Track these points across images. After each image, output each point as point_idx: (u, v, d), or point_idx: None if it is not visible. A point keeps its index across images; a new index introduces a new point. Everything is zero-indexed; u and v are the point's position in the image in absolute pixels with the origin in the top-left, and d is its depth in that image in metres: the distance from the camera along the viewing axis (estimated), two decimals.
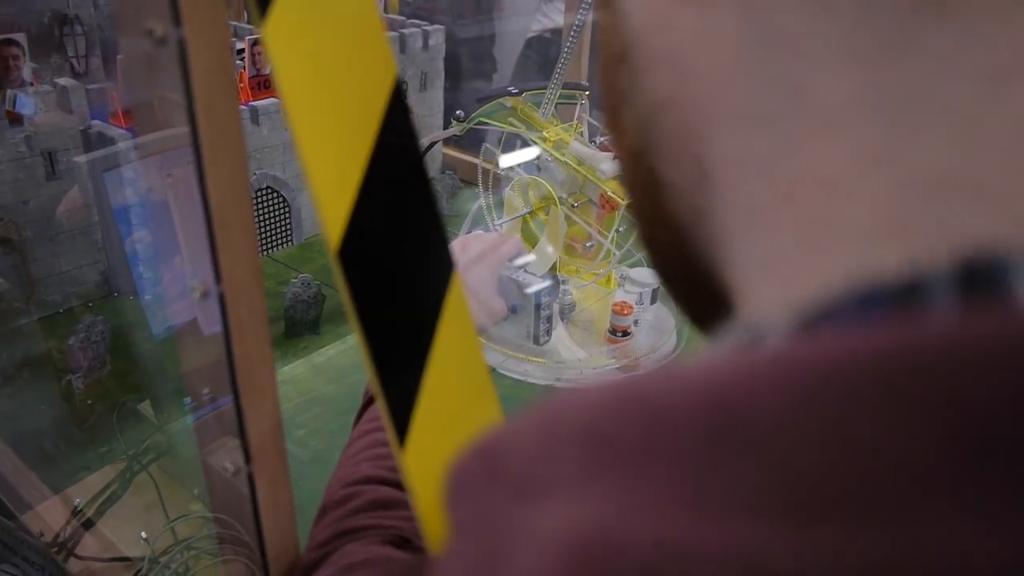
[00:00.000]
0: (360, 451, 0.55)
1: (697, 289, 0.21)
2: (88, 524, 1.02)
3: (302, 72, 0.31)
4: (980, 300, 0.12)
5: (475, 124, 1.17)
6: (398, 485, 0.51)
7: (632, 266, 1.24)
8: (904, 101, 0.15)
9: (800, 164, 0.16)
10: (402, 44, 1.80)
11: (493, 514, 0.15)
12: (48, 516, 1.02)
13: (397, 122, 0.33)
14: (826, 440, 0.11)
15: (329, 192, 0.31)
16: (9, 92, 1.28)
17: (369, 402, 0.64)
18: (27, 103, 1.31)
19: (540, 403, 0.16)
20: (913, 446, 0.11)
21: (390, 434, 0.34)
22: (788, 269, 0.16)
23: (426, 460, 0.34)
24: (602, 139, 1.20)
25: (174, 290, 0.63)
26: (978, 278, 0.12)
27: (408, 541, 0.47)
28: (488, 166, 1.21)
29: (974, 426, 0.11)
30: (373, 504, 0.50)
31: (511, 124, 1.18)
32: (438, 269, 0.34)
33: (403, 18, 1.94)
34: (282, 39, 0.30)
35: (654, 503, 0.12)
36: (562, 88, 1.18)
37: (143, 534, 0.90)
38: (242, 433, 0.44)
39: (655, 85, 0.19)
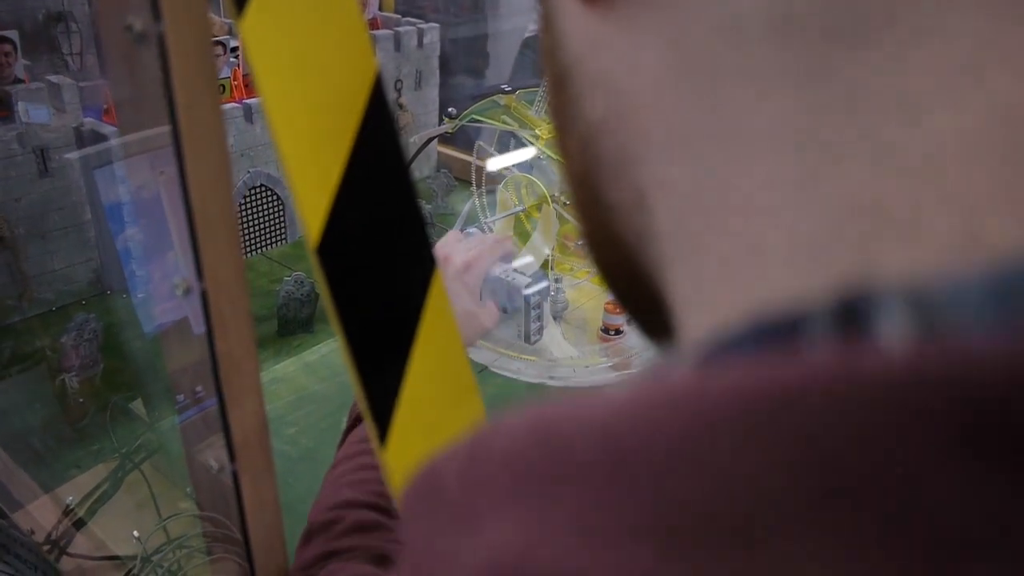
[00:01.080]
0: (343, 475, 0.56)
1: (648, 309, 0.21)
2: (80, 523, 1.02)
3: (281, 68, 0.31)
4: (848, 337, 0.13)
5: (468, 122, 1.17)
6: (380, 509, 0.52)
7: None
8: (822, 127, 0.15)
9: (723, 189, 0.16)
10: (397, 42, 1.80)
11: (430, 539, 0.16)
12: (39, 515, 1.02)
13: (378, 118, 0.33)
14: (702, 472, 0.12)
15: (309, 188, 0.31)
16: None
17: (354, 424, 0.64)
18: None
19: (479, 426, 0.17)
20: (771, 482, 0.12)
21: (371, 432, 0.33)
22: (714, 296, 0.16)
23: (408, 459, 0.34)
24: None
25: (164, 288, 0.63)
26: (852, 314, 0.13)
27: (389, 559, 0.49)
28: (481, 164, 1.21)
29: (813, 463, 0.12)
30: (357, 526, 0.51)
31: (504, 121, 1.18)
32: (419, 265, 0.34)
33: (398, 16, 1.93)
34: (260, 35, 0.30)
35: (558, 531, 0.13)
36: None
37: (135, 532, 0.90)
38: (226, 430, 0.44)
39: (592, 109, 0.20)
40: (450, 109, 1.16)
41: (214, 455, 0.55)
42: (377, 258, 0.34)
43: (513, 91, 1.18)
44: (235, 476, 0.46)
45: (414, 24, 1.85)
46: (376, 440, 0.34)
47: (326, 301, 0.33)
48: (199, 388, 0.63)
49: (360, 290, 0.33)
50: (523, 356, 1.11)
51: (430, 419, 0.35)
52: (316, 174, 0.32)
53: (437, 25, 1.88)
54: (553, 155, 1.13)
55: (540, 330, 1.09)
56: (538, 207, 1.13)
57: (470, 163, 1.23)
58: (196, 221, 0.38)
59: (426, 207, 1.41)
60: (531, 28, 3.21)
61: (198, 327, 0.56)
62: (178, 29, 0.34)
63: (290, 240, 1.69)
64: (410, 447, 0.34)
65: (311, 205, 0.32)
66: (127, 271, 1.30)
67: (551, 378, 1.09)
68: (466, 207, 1.21)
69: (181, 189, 0.37)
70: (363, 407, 0.33)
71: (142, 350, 1.16)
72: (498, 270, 1.06)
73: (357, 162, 0.33)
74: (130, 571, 0.90)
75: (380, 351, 0.34)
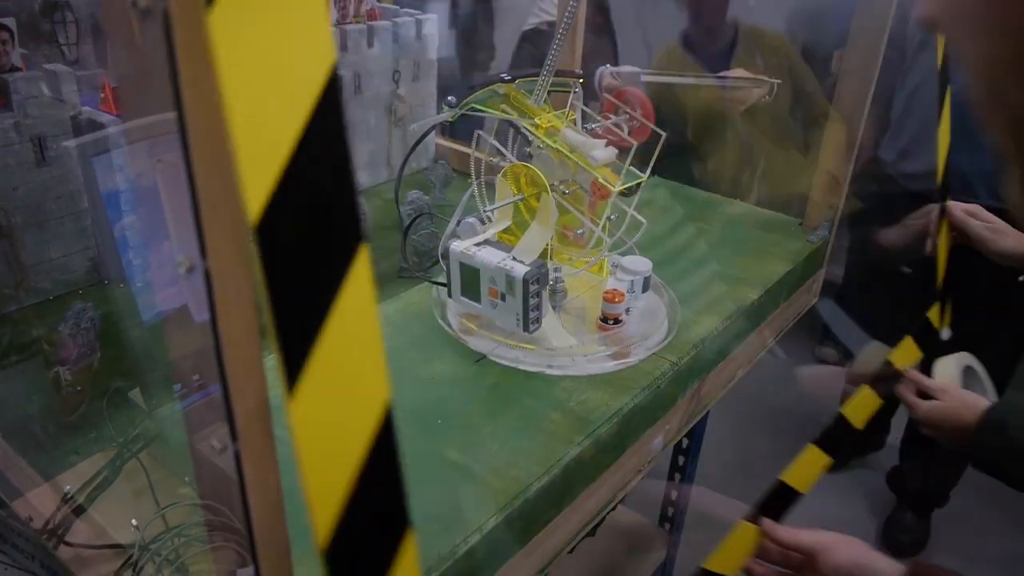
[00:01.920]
0: None
1: None
2: (79, 511, 1.02)
3: (241, 55, 0.32)
4: None
5: (467, 111, 1.17)
6: None
7: (624, 254, 1.24)
8: None
9: None
10: (395, 34, 1.79)
11: None
12: (38, 503, 1.02)
13: (329, 106, 0.34)
14: None
15: (254, 170, 0.33)
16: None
17: None
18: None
19: None
20: None
21: (282, 380, 0.36)
22: None
23: (311, 409, 0.38)
24: (594, 126, 1.20)
25: (163, 276, 0.63)
26: None
27: None
28: (481, 155, 1.21)
29: None
30: None
31: (503, 111, 1.18)
32: (346, 241, 0.37)
33: (396, 7, 1.93)
34: (226, 22, 0.31)
35: None
36: (556, 76, 1.18)
37: (133, 521, 0.90)
38: (228, 410, 0.44)
39: None
40: (450, 97, 1.16)
41: (216, 437, 0.55)
42: (310, 233, 0.36)
43: (512, 80, 1.17)
44: (237, 457, 0.46)
45: (412, 15, 1.85)
46: (285, 389, 0.37)
47: (257, 271, 0.35)
48: (198, 376, 0.63)
49: (290, 262, 0.35)
50: (522, 345, 1.11)
51: (337, 379, 0.38)
52: (263, 157, 0.34)
53: (435, 16, 1.87)
54: (552, 144, 1.13)
55: (539, 319, 1.09)
56: (537, 196, 1.13)
57: (468, 154, 1.23)
58: (200, 199, 0.38)
59: (424, 198, 1.41)
60: (530, 22, 3.20)
61: (198, 315, 0.56)
62: (183, 4, 0.34)
63: None
64: (315, 400, 0.38)
65: (255, 185, 0.34)
66: (124, 260, 1.29)
67: (550, 367, 1.09)
68: (464, 197, 1.20)
69: (185, 166, 0.37)
70: (277, 356, 0.36)
71: (140, 339, 1.16)
72: (496, 259, 1.06)
73: (304, 148, 0.35)
74: (129, 559, 0.89)
75: (299, 312, 0.37)
